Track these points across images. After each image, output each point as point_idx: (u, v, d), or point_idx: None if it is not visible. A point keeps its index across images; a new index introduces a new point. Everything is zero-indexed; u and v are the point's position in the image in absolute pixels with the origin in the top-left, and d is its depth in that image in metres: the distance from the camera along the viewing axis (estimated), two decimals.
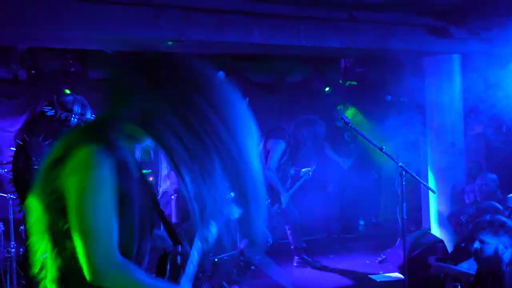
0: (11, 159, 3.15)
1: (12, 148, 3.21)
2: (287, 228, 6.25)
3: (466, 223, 4.97)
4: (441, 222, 6.18)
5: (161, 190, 6.74)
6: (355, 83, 7.55)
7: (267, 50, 5.66)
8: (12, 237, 4.53)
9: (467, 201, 5.90)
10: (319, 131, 6.05)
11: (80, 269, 1.54)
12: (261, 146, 6.08)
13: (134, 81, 1.65)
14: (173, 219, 6.38)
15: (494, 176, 5.82)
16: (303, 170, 6.28)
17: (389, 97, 7.39)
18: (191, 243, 2.09)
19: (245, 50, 5.66)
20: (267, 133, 6.00)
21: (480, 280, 3.42)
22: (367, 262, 6.37)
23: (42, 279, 1.65)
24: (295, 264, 6.29)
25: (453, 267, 3.91)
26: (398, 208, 5.08)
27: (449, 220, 5.80)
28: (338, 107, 7.58)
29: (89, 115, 3.44)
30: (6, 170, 4.25)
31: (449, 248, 5.49)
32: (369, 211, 7.59)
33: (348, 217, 7.43)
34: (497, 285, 3.28)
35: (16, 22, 3.83)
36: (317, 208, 6.91)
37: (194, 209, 1.66)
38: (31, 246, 1.66)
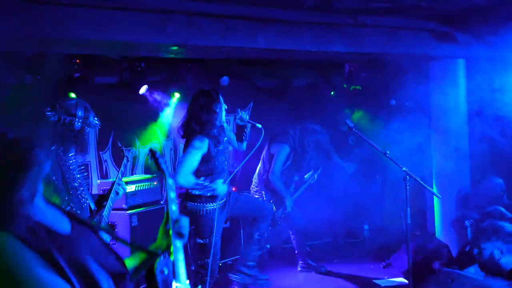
0: None
1: None
2: (291, 233, 6.26)
3: (470, 227, 4.97)
4: (446, 227, 6.17)
5: (166, 194, 6.75)
6: (359, 87, 7.56)
7: (272, 55, 5.68)
8: None
9: (472, 206, 5.89)
10: (321, 141, 6.08)
11: None
12: (265, 150, 6.10)
13: None
14: None
15: (500, 180, 5.80)
16: (307, 174, 6.29)
17: (394, 102, 7.40)
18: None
19: (250, 55, 5.68)
20: (271, 137, 6.02)
21: None
22: (372, 266, 6.36)
23: None
24: (299, 269, 6.29)
25: (460, 272, 3.91)
26: (402, 212, 5.08)
27: (454, 225, 5.80)
28: (346, 111, 7.59)
29: (92, 119, 3.45)
30: None
31: (454, 253, 5.48)
32: (373, 216, 7.58)
33: (353, 221, 7.42)
34: None
35: (22, 29, 3.85)
36: (322, 213, 6.90)
37: None
38: None
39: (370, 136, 4.87)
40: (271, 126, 6.48)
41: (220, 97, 4.40)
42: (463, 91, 6.28)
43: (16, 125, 1.59)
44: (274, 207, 5.65)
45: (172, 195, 2.30)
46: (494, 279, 3.30)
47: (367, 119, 7.70)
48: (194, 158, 4.26)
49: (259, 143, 4.51)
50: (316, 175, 6.26)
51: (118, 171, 3.75)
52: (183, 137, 4.48)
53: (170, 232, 2.10)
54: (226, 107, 4.44)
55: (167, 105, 6.64)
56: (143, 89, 6.27)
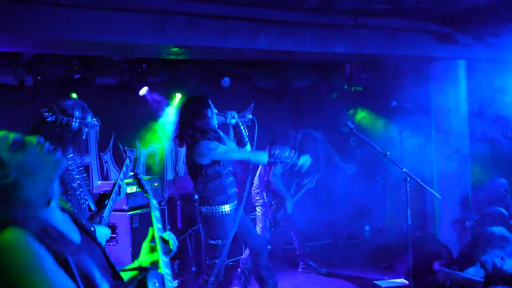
0: None
1: None
2: (292, 234, 6.26)
3: (471, 228, 4.96)
4: (446, 228, 6.16)
5: (166, 195, 6.77)
6: (360, 88, 7.56)
7: (272, 56, 5.69)
8: None
9: (474, 206, 5.88)
10: (320, 149, 6.08)
11: None
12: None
13: None
14: (178, 224, 6.40)
15: (504, 180, 5.79)
16: (306, 179, 6.30)
17: (394, 103, 7.39)
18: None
19: (251, 56, 5.68)
20: (272, 139, 6.02)
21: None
22: (372, 267, 6.36)
23: None
24: (300, 270, 6.30)
25: (460, 273, 3.91)
26: (403, 213, 5.08)
27: (454, 226, 5.79)
28: (351, 111, 7.58)
29: (90, 119, 3.42)
30: None
31: (455, 254, 5.47)
32: (374, 217, 7.57)
33: (354, 222, 7.42)
34: None
35: (23, 29, 3.86)
36: (323, 214, 6.90)
37: None
38: None
39: (371, 137, 4.87)
40: (271, 127, 6.46)
41: (210, 102, 4.41)
42: (463, 91, 6.28)
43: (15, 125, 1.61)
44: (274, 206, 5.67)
45: (157, 214, 2.38)
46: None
47: (368, 120, 7.70)
48: (230, 148, 4.38)
49: (256, 134, 4.46)
50: (314, 181, 6.26)
51: (120, 172, 3.75)
52: (180, 146, 4.50)
53: (157, 248, 2.15)
54: (216, 111, 4.45)
55: (168, 106, 6.65)
56: (143, 91, 6.27)
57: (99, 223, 3.46)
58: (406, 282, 5.35)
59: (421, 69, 6.40)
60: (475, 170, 6.90)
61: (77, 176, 3.39)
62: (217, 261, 4.34)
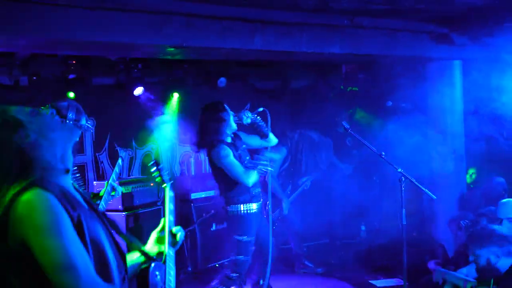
0: None
1: None
2: (288, 234, 6.27)
3: (465, 228, 4.98)
4: (442, 227, 6.18)
5: (162, 195, 6.75)
6: (356, 88, 7.57)
7: (269, 57, 5.69)
8: None
9: (470, 206, 5.90)
10: (316, 149, 6.10)
11: None
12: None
13: None
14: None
15: (502, 179, 5.83)
16: (303, 179, 6.30)
17: (390, 103, 7.41)
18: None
19: (247, 56, 5.68)
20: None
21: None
22: (368, 267, 6.37)
23: None
24: (296, 270, 6.30)
25: (453, 272, 3.92)
26: (399, 213, 5.08)
27: (450, 225, 5.81)
28: (350, 111, 7.60)
29: (84, 122, 3.39)
30: None
31: (450, 253, 5.50)
32: (371, 217, 7.58)
33: (350, 222, 7.43)
34: None
35: (18, 29, 3.84)
36: (319, 214, 6.91)
37: None
38: None
39: (367, 138, 4.87)
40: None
41: (226, 106, 4.58)
42: (459, 91, 6.31)
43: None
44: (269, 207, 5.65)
45: (171, 206, 2.41)
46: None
47: (365, 120, 7.71)
48: (234, 162, 4.45)
49: (269, 124, 4.63)
50: (309, 182, 6.26)
51: (112, 172, 3.74)
52: (197, 151, 4.73)
53: (165, 240, 2.18)
54: (234, 113, 4.60)
55: (163, 106, 6.64)
56: (138, 90, 6.26)
57: None
58: (401, 281, 5.37)
59: (417, 69, 6.41)
60: (471, 169, 6.93)
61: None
62: (241, 257, 4.49)
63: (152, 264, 2.02)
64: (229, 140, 4.55)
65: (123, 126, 6.50)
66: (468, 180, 6.84)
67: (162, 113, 6.61)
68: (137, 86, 6.20)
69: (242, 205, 4.52)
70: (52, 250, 1.52)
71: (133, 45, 4.49)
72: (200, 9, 4.47)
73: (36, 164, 1.62)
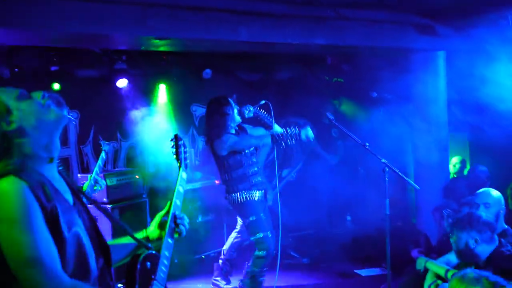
0: None
1: None
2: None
3: (447, 217, 5.04)
4: (426, 216, 6.25)
5: (147, 187, 6.72)
6: (342, 80, 7.59)
7: (254, 48, 5.67)
8: None
9: (454, 195, 5.97)
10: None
11: None
12: None
13: None
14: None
15: (484, 168, 5.96)
16: (285, 171, 6.32)
17: (375, 94, 7.45)
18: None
19: (232, 48, 5.66)
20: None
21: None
22: (353, 257, 6.42)
23: None
24: (282, 261, 6.32)
25: (434, 261, 3.97)
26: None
27: (434, 214, 5.87)
28: (335, 102, 7.63)
29: (65, 113, 3.37)
30: None
31: (434, 242, 5.56)
32: (356, 207, 7.64)
33: (336, 212, 7.48)
34: None
35: (3, 22, 3.79)
36: (305, 204, 6.94)
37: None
38: None
39: (353, 128, 4.90)
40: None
41: (231, 100, 4.74)
42: (443, 82, 6.35)
43: None
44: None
45: (181, 189, 2.26)
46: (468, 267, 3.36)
47: (350, 111, 7.75)
48: (241, 137, 4.68)
49: (272, 115, 4.73)
50: (294, 173, 6.28)
51: (95, 166, 3.72)
52: (206, 143, 4.87)
53: (166, 227, 2.08)
54: (238, 107, 4.74)
55: (147, 98, 6.59)
56: (122, 83, 6.21)
57: None
58: (385, 270, 5.43)
59: (402, 60, 6.44)
60: (455, 158, 7.01)
61: None
62: (260, 234, 4.67)
63: (144, 253, 1.96)
64: (233, 132, 4.70)
65: (108, 119, 6.45)
66: (452, 169, 6.92)
67: (147, 105, 6.57)
68: (121, 78, 6.16)
69: (241, 192, 4.66)
70: (18, 244, 1.49)
71: (115, 36, 4.45)
72: (184, 1, 4.43)
73: (17, 150, 1.58)
